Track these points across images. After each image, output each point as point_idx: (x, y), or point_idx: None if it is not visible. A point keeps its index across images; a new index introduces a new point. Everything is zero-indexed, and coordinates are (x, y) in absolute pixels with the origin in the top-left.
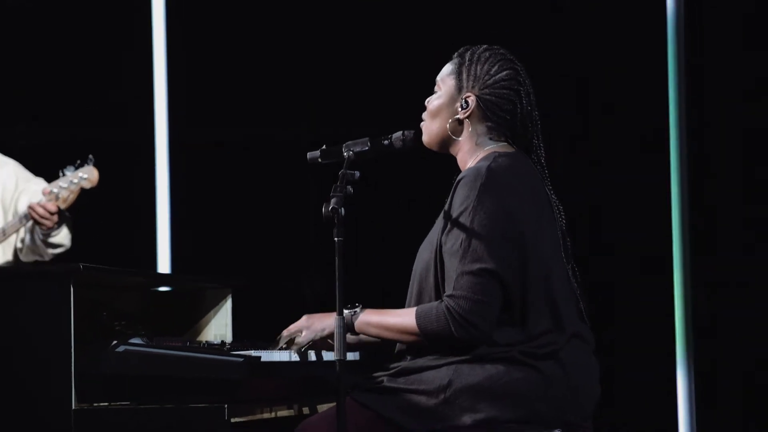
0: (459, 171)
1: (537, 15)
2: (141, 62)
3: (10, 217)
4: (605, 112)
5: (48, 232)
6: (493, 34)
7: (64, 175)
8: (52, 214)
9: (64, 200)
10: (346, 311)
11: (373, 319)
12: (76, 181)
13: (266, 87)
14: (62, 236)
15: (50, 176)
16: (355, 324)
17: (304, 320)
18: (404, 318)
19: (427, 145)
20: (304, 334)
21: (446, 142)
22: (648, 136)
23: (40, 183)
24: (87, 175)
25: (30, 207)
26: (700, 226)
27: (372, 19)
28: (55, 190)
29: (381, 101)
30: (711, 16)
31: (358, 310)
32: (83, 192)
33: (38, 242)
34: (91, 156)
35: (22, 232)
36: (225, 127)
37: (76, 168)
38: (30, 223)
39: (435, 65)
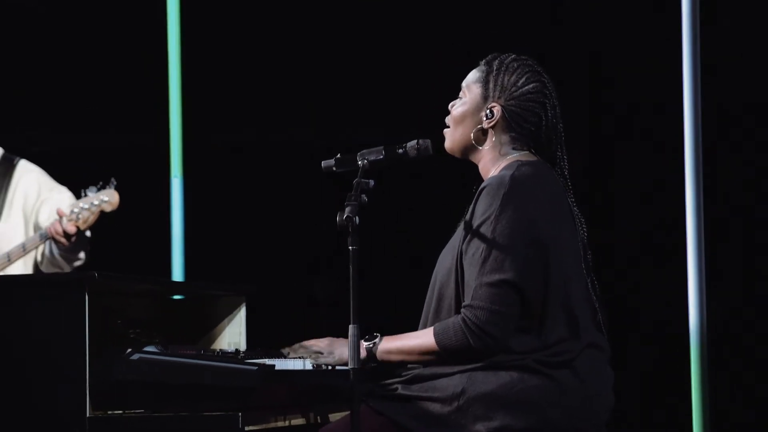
0: (479, 178)
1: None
2: (155, 68)
3: (31, 225)
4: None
5: (67, 249)
6: (502, 35)
7: (85, 195)
8: (71, 235)
9: (84, 221)
10: (365, 342)
11: (393, 346)
12: (96, 203)
13: (280, 92)
14: (81, 253)
15: (65, 184)
16: (377, 354)
17: (326, 343)
18: (423, 339)
19: (449, 151)
20: (325, 357)
21: (469, 149)
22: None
23: (62, 192)
24: (108, 198)
25: (50, 228)
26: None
27: (387, 22)
28: (76, 210)
29: (396, 105)
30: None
31: (377, 340)
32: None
33: (57, 256)
34: (113, 179)
35: (42, 247)
36: (238, 133)
37: (99, 189)
38: (36, 251)
39: (451, 68)
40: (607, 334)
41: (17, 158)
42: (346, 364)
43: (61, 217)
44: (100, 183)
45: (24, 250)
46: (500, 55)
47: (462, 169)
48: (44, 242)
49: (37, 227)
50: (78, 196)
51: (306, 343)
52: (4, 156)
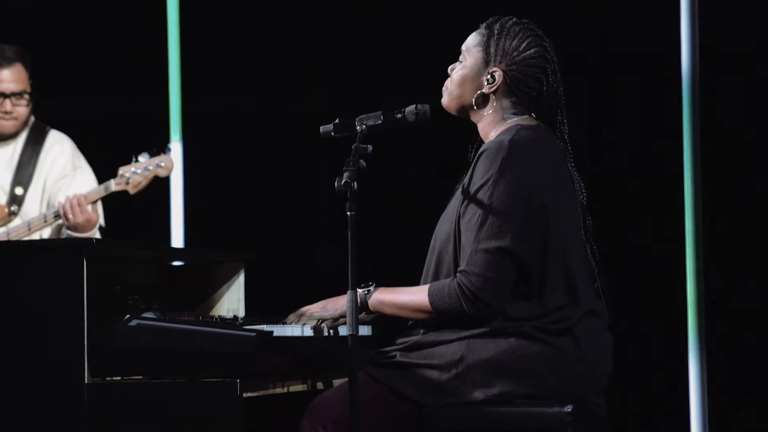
0: (477, 139)
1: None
2: (154, 34)
3: (46, 200)
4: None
5: (77, 234)
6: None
7: (136, 160)
8: (76, 216)
9: (135, 185)
10: (359, 290)
11: (386, 298)
12: (151, 168)
13: (278, 57)
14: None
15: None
16: (369, 303)
17: (321, 305)
18: (417, 296)
19: (445, 108)
20: (319, 311)
21: (467, 110)
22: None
23: (85, 172)
24: (164, 163)
25: (62, 206)
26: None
27: None
28: (127, 174)
29: (395, 71)
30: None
31: (371, 288)
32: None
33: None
34: (170, 145)
35: (46, 231)
36: (237, 98)
37: (152, 155)
38: (56, 222)
39: (449, 35)
40: (605, 299)
41: (48, 127)
42: (340, 317)
43: (78, 203)
44: (154, 149)
45: (45, 221)
46: (501, 18)
47: (461, 132)
48: (50, 224)
49: (51, 204)
50: (105, 176)
51: (301, 310)
52: (35, 124)
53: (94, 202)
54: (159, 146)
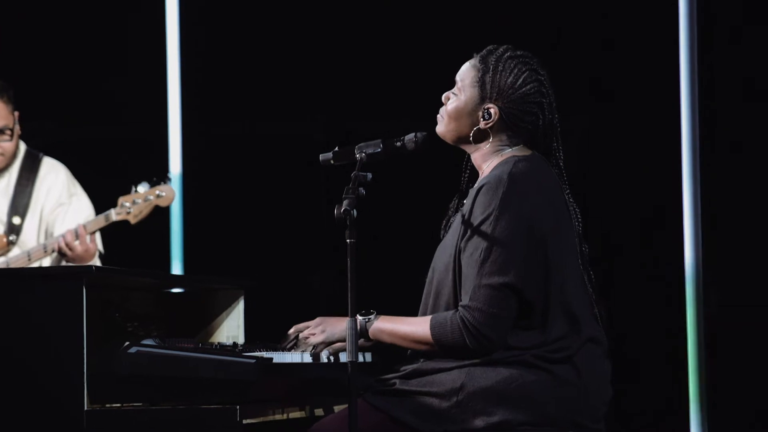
0: (472, 169)
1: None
2: (154, 60)
3: (44, 228)
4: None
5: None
6: (502, 28)
7: (136, 190)
8: (73, 248)
9: (136, 215)
10: (360, 317)
11: (387, 327)
12: (152, 197)
13: (278, 84)
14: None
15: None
16: (369, 331)
17: (317, 321)
18: (418, 327)
19: (440, 136)
20: (317, 336)
21: (462, 143)
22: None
23: (81, 199)
24: (165, 193)
25: (60, 242)
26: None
27: (385, 14)
28: (127, 204)
29: (393, 96)
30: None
31: (372, 317)
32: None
33: None
34: (170, 174)
35: (46, 261)
36: (237, 125)
37: (152, 184)
38: (55, 253)
39: (446, 59)
40: (604, 326)
41: (41, 154)
42: (338, 341)
43: (78, 235)
44: (154, 178)
45: (45, 251)
46: (495, 50)
47: (456, 160)
48: (49, 254)
49: (49, 232)
50: (105, 205)
51: (295, 327)
52: (28, 152)
53: (93, 233)
54: (159, 176)
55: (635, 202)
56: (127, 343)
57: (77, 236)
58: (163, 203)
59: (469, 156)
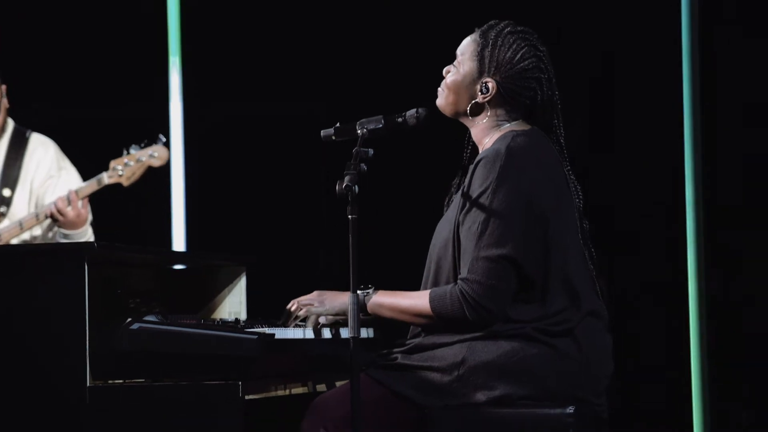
0: (470, 143)
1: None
2: (156, 38)
3: (34, 201)
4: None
5: (67, 235)
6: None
7: (128, 153)
8: (65, 213)
9: (128, 177)
10: (358, 292)
11: (386, 301)
12: (144, 158)
13: (280, 62)
14: (85, 237)
15: (68, 156)
16: (368, 305)
17: (315, 295)
18: (417, 300)
19: (440, 109)
20: (316, 306)
21: (461, 116)
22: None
23: (70, 172)
24: (157, 153)
25: (52, 208)
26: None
27: None
28: (119, 167)
29: (394, 76)
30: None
31: (370, 291)
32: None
33: (60, 239)
34: (161, 135)
35: (37, 230)
36: (239, 103)
37: (143, 146)
38: (48, 221)
39: (447, 39)
40: (605, 301)
41: (29, 131)
42: (337, 314)
43: (70, 200)
44: (145, 140)
45: (37, 219)
46: (496, 25)
47: (459, 136)
48: (40, 222)
49: (39, 204)
50: (90, 173)
51: (294, 301)
52: (16, 129)
53: (86, 197)
54: (150, 138)
55: (635, 202)
56: (129, 319)
57: (69, 202)
58: (156, 163)
59: (470, 132)
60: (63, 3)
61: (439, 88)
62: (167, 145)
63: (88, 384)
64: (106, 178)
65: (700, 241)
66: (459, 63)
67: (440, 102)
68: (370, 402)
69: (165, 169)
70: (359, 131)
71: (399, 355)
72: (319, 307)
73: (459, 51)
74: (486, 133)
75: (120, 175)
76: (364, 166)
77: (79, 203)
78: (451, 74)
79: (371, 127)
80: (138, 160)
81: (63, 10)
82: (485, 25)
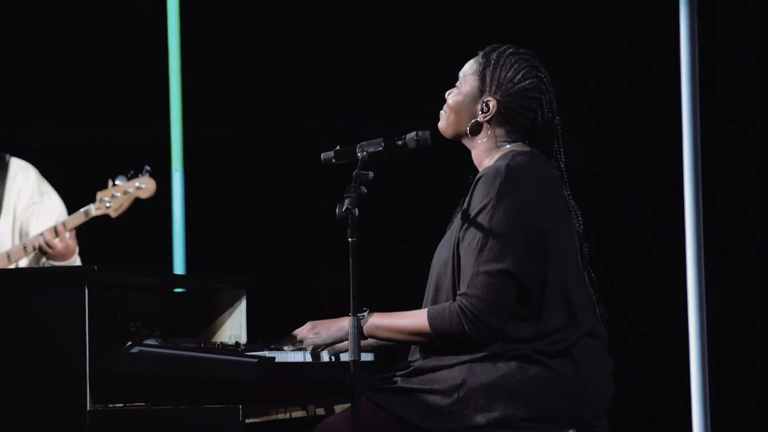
0: (474, 166)
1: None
2: (155, 61)
3: (18, 229)
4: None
5: (57, 263)
6: (504, 28)
7: (114, 184)
8: (53, 245)
9: (116, 209)
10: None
11: (382, 323)
12: (131, 190)
13: (280, 83)
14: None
15: (67, 177)
16: (364, 328)
17: (308, 327)
18: (415, 319)
19: (441, 132)
20: (311, 338)
21: (462, 137)
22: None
23: (52, 198)
24: (145, 185)
25: (41, 240)
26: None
27: (387, 13)
28: (106, 198)
29: (395, 96)
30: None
31: (365, 314)
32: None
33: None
34: (147, 166)
35: (24, 261)
36: (239, 124)
37: (130, 178)
38: (35, 252)
39: (447, 60)
40: (605, 323)
41: (7, 155)
42: (333, 342)
43: (57, 232)
44: (131, 171)
45: (24, 251)
46: (498, 47)
47: (460, 159)
48: (28, 254)
49: (23, 232)
50: (84, 194)
51: (293, 334)
52: None
53: (73, 229)
54: (137, 169)
55: (636, 202)
56: (129, 342)
57: (57, 234)
58: (143, 195)
59: (471, 154)
60: (61, 21)
61: (441, 111)
62: (153, 175)
63: (88, 408)
64: (93, 210)
65: (700, 253)
66: (461, 83)
67: (442, 124)
68: (371, 426)
69: (165, 191)
70: (359, 154)
71: (399, 379)
72: (314, 338)
73: (461, 73)
74: (486, 154)
75: (108, 207)
76: (364, 189)
77: (67, 235)
78: (453, 95)
79: (371, 149)
80: (125, 192)
81: (61, 27)
82: (488, 47)
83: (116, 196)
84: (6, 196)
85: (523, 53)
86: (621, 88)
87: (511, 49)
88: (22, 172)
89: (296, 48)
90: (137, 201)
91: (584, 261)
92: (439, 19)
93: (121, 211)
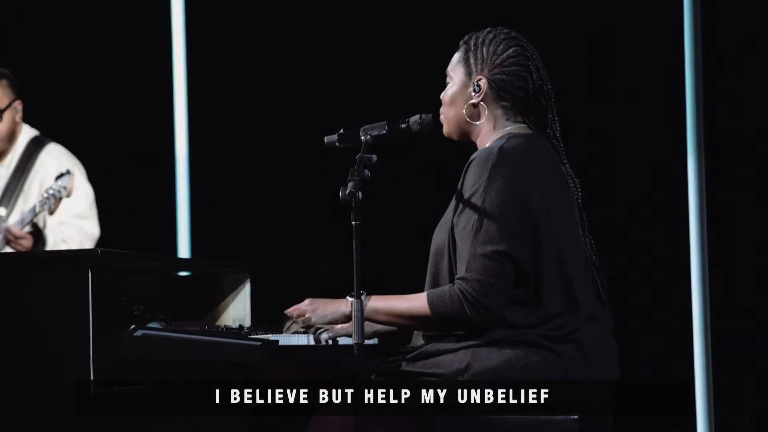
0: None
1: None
2: (160, 46)
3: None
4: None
5: None
6: (505, 17)
7: (51, 187)
8: (19, 238)
9: (50, 208)
10: (350, 299)
11: (381, 306)
12: (56, 190)
13: (284, 69)
14: None
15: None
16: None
17: (307, 303)
18: (414, 303)
19: (447, 135)
20: (308, 315)
21: (464, 128)
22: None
23: (82, 227)
24: (67, 186)
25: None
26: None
27: (387, 5)
28: (45, 196)
29: (398, 83)
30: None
31: (363, 297)
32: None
33: None
34: (68, 169)
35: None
36: (243, 109)
37: (57, 178)
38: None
39: (451, 43)
40: (608, 304)
41: (48, 141)
42: (330, 322)
43: (15, 236)
44: (60, 173)
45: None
46: (475, 32)
47: (463, 142)
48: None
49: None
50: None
51: (287, 311)
52: (36, 138)
53: (24, 228)
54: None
55: (637, 202)
56: (133, 326)
57: (15, 236)
58: (65, 195)
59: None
60: (64, 7)
61: (441, 116)
62: (158, 160)
63: (92, 391)
64: (37, 208)
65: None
66: (451, 77)
67: (445, 126)
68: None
69: (170, 176)
70: (363, 137)
71: (402, 363)
72: (311, 316)
73: (449, 68)
74: (488, 137)
75: (43, 206)
76: (367, 173)
77: (28, 237)
78: (446, 90)
79: (375, 133)
80: (57, 193)
81: (67, 14)
82: (465, 36)
83: (51, 197)
84: (29, 179)
85: (500, 29)
86: (622, 79)
87: (487, 29)
88: (48, 159)
89: (302, 33)
90: (153, 175)
91: (583, 230)
92: (445, 6)
93: (54, 209)
